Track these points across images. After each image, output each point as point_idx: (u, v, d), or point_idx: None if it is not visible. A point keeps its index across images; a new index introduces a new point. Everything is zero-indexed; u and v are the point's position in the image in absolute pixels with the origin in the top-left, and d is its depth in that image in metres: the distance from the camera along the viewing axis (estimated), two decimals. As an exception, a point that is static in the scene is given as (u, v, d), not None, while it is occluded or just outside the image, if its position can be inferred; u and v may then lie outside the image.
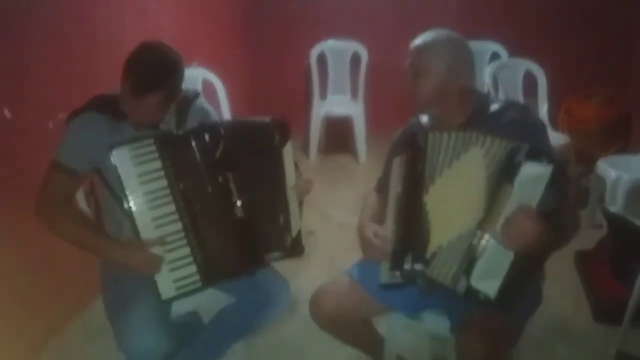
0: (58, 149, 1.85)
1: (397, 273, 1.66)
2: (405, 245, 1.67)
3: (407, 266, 1.65)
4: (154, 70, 1.76)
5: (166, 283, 1.79)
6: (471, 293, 1.59)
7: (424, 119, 1.95)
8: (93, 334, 2.69)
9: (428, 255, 1.64)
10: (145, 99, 1.75)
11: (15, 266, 2.47)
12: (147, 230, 1.77)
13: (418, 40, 1.82)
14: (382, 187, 2.04)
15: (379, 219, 1.91)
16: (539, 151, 1.53)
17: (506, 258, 1.54)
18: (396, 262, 1.67)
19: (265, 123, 1.89)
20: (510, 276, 1.55)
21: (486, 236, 1.57)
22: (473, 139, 1.63)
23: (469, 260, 1.60)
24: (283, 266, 2.05)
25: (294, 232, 1.95)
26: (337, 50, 5.08)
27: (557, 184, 1.53)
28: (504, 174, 1.56)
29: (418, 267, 1.64)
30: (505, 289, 1.55)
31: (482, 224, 1.59)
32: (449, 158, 1.66)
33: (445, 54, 1.76)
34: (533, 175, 1.51)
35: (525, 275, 1.57)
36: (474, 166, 1.62)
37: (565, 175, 1.59)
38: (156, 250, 1.78)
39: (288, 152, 1.90)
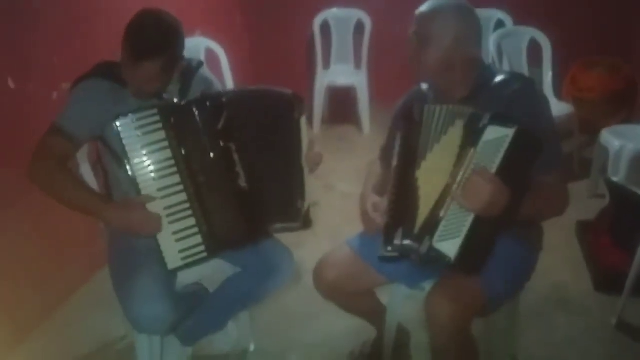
0: (60, 114, 1.85)
1: (389, 248, 1.66)
2: (396, 221, 1.67)
3: (397, 241, 1.65)
4: (152, 37, 1.75)
5: (172, 253, 1.80)
6: (433, 253, 1.59)
7: (426, 88, 1.92)
8: (98, 304, 2.71)
9: (416, 231, 1.64)
10: (143, 66, 1.75)
11: (22, 237, 2.50)
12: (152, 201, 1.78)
13: (425, 7, 1.76)
14: (385, 156, 2.03)
15: (382, 188, 1.91)
16: (504, 116, 1.54)
17: (467, 219, 1.55)
18: (388, 237, 1.67)
19: (286, 94, 1.89)
20: (469, 238, 1.55)
21: (449, 198, 1.58)
22: (459, 112, 1.63)
23: (434, 222, 1.60)
24: (286, 236, 2.06)
25: (307, 203, 1.95)
26: (340, 18, 5.03)
27: (526, 149, 1.53)
28: (470, 139, 1.57)
29: (407, 242, 1.64)
30: (465, 251, 1.55)
31: (447, 187, 1.59)
32: (439, 133, 1.65)
33: (454, 23, 1.71)
34: (494, 138, 1.52)
35: (486, 238, 1.57)
36: (456, 138, 1.62)
37: (534, 141, 1.55)
38: (155, 209, 1.78)
39: (303, 125, 1.90)
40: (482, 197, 1.49)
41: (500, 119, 1.54)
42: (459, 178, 1.56)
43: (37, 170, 1.81)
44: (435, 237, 1.59)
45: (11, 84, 2.44)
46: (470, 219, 1.55)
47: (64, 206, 1.83)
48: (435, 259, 1.60)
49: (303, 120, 1.89)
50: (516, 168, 1.54)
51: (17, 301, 2.48)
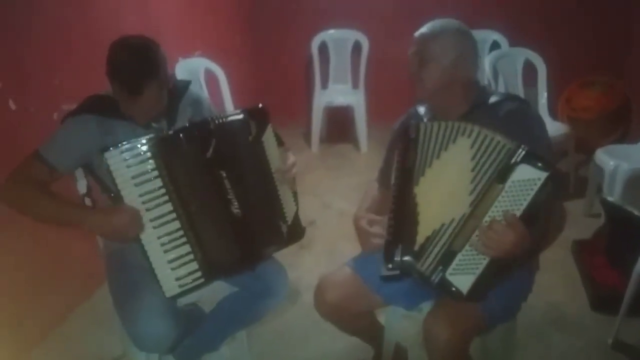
0: (44, 143, 1.85)
1: (390, 265, 1.65)
2: (396, 237, 1.67)
3: (397, 258, 1.65)
4: (139, 68, 1.75)
5: (169, 281, 1.81)
6: (444, 285, 1.60)
7: (422, 109, 1.94)
8: (96, 323, 2.73)
9: (416, 247, 1.65)
10: (143, 97, 1.76)
11: (22, 257, 2.51)
12: (145, 230, 1.78)
13: (425, 29, 1.79)
14: (382, 178, 2.05)
15: (378, 210, 1.92)
16: (537, 156, 1.50)
17: (484, 258, 1.55)
18: (388, 254, 1.67)
19: (238, 116, 1.89)
20: (484, 276, 1.55)
21: (468, 234, 1.56)
22: (461, 129, 1.62)
23: (449, 254, 1.59)
24: (284, 255, 2.07)
25: (289, 219, 1.95)
26: (338, 39, 5.09)
27: (550, 191, 1.50)
28: (497, 172, 1.53)
29: (406, 259, 1.65)
30: (478, 286, 1.56)
31: (468, 219, 1.57)
32: (437, 149, 1.65)
33: (454, 44, 1.75)
34: (526, 178, 1.48)
35: (499, 275, 1.57)
36: (461, 156, 1.61)
37: (562, 186, 1.56)
38: (147, 237, 1.78)
39: (268, 140, 1.90)
40: (504, 246, 1.48)
41: (533, 159, 1.49)
42: (481, 214, 1.54)
43: (7, 189, 1.81)
44: (449, 270, 1.59)
45: (12, 105, 2.46)
46: (488, 258, 1.55)
47: (45, 222, 1.82)
48: (444, 288, 1.60)
49: (268, 134, 1.89)
50: (540, 211, 1.51)
51: (16, 320, 2.48)
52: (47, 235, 2.63)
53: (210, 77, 3.90)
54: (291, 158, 2.02)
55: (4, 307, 2.40)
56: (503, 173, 1.52)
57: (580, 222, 3.52)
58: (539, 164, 1.48)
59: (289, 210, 1.97)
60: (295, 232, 1.97)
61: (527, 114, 1.80)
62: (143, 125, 1.88)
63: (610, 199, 3.02)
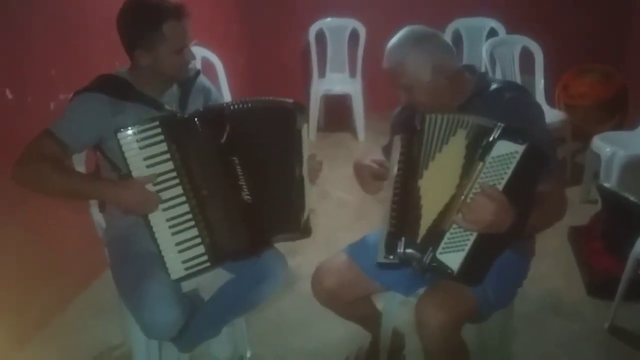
0: (55, 121, 1.84)
1: (391, 257, 1.66)
2: (399, 230, 1.68)
3: (400, 250, 1.66)
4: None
5: (175, 264, 1.81)
6: (436, 264, 1.61)
7: None
8: (95, 312, 2.74)
9: (419, 240, 1.66)
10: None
11: (21, 246, 2.52)
12: (154, 212, 1.78)
13: (387, 62, 1.78)
14: (387, 155, 2.02)
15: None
16: (514, 131, 1.54)
17: (472, 234, 1.57)
18: (390, 245, 1.68)
19: (287, 105, 1.89)
20: (473, 252, 1.57)
21: (455, 213, 1.59)
22: (460, 121, 1.64)
23: (439, 233, 1.62)
24: (283, 244, 2.08)
25: (306, 213, 1.96)
26: (335, 27, 5.08)
27: (533, 165, 1.54)
28: (478, 151, 1.56)
29: (409, 251, 1.66)
30: (468, 263, 1.57)
31: (453, 199, 1.60)
32: (440, 142, 1.66)
33: (422, 58, 1.73)
34: (504, 153, 1.52)
35: (489, 252, 1.59)
36: (458, 148, 1.63)
37: (543, 158, 1.57)
38: (157, 219, 1.78)
39: (305, 135, 1.90)
40: (486, 217, 1.50)
41: (510, 134, 1.53)
42: (465, 192, 1.57)
43: (21, 167, 1.77)
44: (439, 249, 1.61)
45: (9, 94, 2.46)
46: (475, 233, 1.57)
47: (61, 197, 1.82)
48: (437, 270, 1.62)
49: (305, 129, 1.90)
50: (523, 184, 1.54)
51: (15, 310, 2.49)
52: (45, 226, 2.64)
53: (208, 66, 3.89)
54: (319, 162, 2.02)
55: (4, 297, 2.41)
56: (483, 151, 1.55)
57: (576, 208, 3.52)
58: (516, 138, 1.52)
59: (308, 204, 1.96)
60: (307, 228, 1.97)
61: (525, 103, 1.81)
62: (156, 107, 1.88)
63: (606, 185, 3.04)
